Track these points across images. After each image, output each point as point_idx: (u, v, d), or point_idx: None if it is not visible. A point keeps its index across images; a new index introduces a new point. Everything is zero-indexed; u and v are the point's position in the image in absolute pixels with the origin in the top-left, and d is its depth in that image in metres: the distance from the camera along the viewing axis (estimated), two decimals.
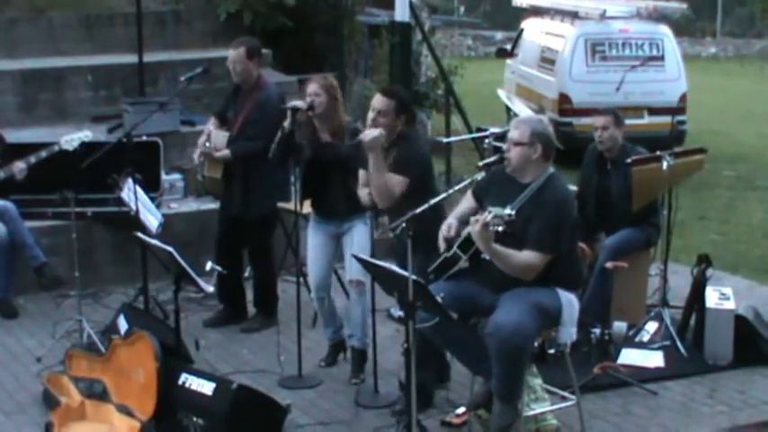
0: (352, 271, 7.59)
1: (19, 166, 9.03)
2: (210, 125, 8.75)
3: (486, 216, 6.12)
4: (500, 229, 6.10)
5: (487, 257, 6.46)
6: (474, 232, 6.20)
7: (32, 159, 9.03)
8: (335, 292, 8.14)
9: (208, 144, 8.51)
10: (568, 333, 6.57)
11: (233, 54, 8.50)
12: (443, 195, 6.81)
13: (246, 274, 9.23)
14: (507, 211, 6.15)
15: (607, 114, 8.63)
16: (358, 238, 7.62)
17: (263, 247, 8.79)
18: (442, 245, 6.61)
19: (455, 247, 6.53)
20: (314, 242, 7.85)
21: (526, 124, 6.60)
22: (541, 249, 6.33)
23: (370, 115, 7.23)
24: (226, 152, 8.47)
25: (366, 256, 6.67)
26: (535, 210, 6.39)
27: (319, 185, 7.71)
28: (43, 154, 9.00)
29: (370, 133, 6.99)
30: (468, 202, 6.80)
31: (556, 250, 6.38)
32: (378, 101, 7.24)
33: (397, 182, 7.04)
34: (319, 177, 7.68)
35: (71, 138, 8.96)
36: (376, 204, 7.21)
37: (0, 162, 9.17)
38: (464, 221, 6.58)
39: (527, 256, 6.34)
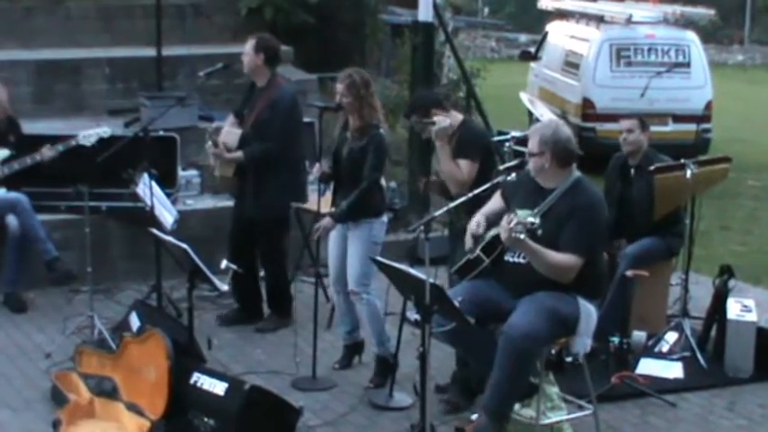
0: (350, 280, 7.60)
1: (47, 154, 8.92)
2: (227, 123, 8.70)
3: (510, 220, 6.10)
4: (521, 236, 6.06)
5: (510, 260, 6.48)
6: (504, 238, 6.22)
7: (60, 147, 8.93)
8: None
9: (210, 142, 8.43)
10: (582, 344, 6.52)
11: (246, 46, 8.49)
12: (463, 199, 6.78)
13: (262, 274, 9.15)
14: (530, 219, 6.15)
15: (633, 117, 8.63)
16: (356, 245, 7.56)
17: (275, 250, 8.70)
18: (468, 241, 6.59)
19: (478, 250, 6.52)
20: (331, 236, 7.81)
21: (536, 133, 6.59)
22: (578, 252, 6.30)
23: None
24: (238, 154, 8.41)
25: (381, 259, 6.58)
26: (567, 214, 6.37)
27: (336, 181, 7.75)
28: (60, 148, 8.92)
29: (440, 122, 7.18)
30: (496, 201, 6.79)
31: (592, 253, 6.38)
32: None
33: (465, 166, 7.19)
34: (337, 173, 7.73)
35: (89, 133, 8.90)
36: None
37: (15, 153, 9.10)
38: (492, 221, 6.56)
39: (564, 257, 6.30)
